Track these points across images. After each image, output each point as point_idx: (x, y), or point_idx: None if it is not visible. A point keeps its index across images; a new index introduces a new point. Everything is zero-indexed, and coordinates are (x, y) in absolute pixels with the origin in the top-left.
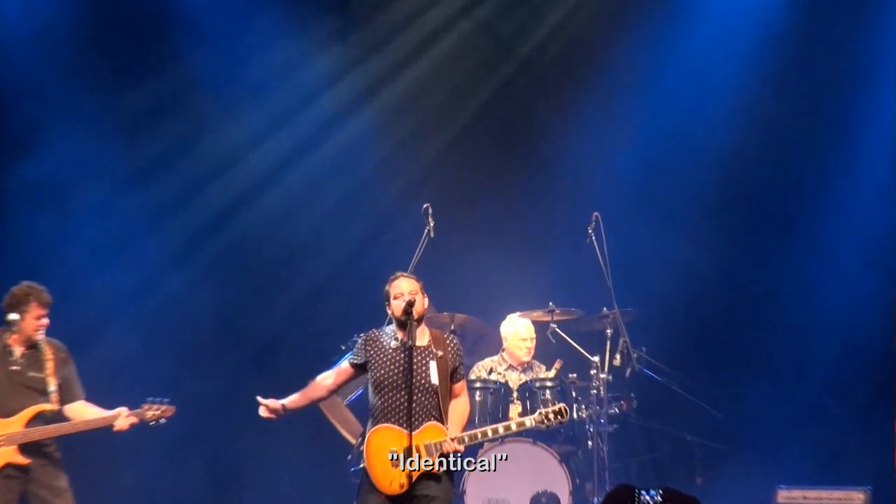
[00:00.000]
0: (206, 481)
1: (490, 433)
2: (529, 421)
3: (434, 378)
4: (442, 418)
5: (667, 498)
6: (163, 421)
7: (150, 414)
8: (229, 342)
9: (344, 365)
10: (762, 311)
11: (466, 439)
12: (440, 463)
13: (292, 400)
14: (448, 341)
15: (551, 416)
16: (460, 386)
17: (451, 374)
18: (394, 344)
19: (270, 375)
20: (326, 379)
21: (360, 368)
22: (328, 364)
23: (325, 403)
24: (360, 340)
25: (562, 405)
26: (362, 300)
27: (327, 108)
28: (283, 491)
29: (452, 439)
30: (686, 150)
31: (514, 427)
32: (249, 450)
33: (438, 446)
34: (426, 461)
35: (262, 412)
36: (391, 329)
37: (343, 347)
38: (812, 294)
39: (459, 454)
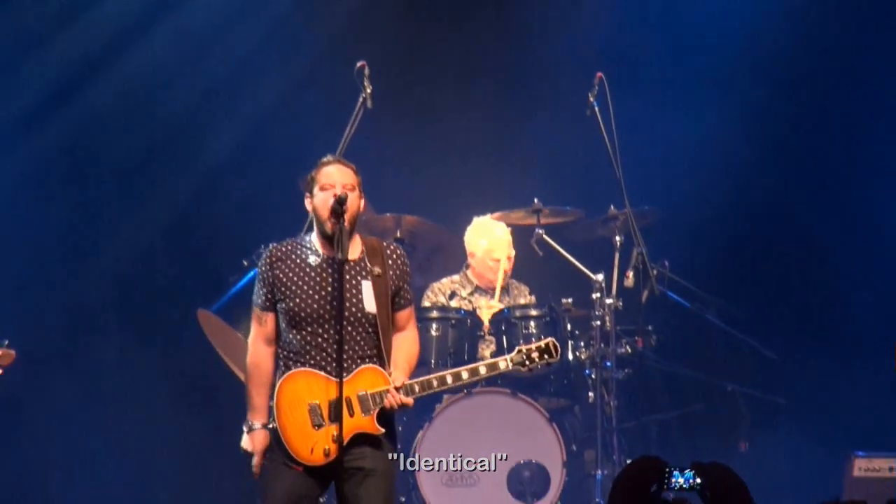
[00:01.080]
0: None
1: (450, 380)
2: (504, 362)
3: (369, 304)
4: (382, 360)
5: (704, 481)
6: None
7: None
8: (69, 270)
9: (259, 315)
10: (835, 209)
11: (417, 389)
12: (381, 421)
13: (262, 412)
14: (388, 252)
15: (535, 354)
16: (406, 314)
17: (394, 298)
18: (313, 260)
19: (134, 313)
20: (259, 348)
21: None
22: (222, 287)
23: (212, 330)
24: (261, 262)
25: (550, 340)
26: (267, 199)
27: None
28: (144, 471)
29: (398, 388)
30: None
31: (483, 371)
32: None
33: (378, 398)
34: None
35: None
36: (309, 239)
37: (245, 263)
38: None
39: (407, 409)
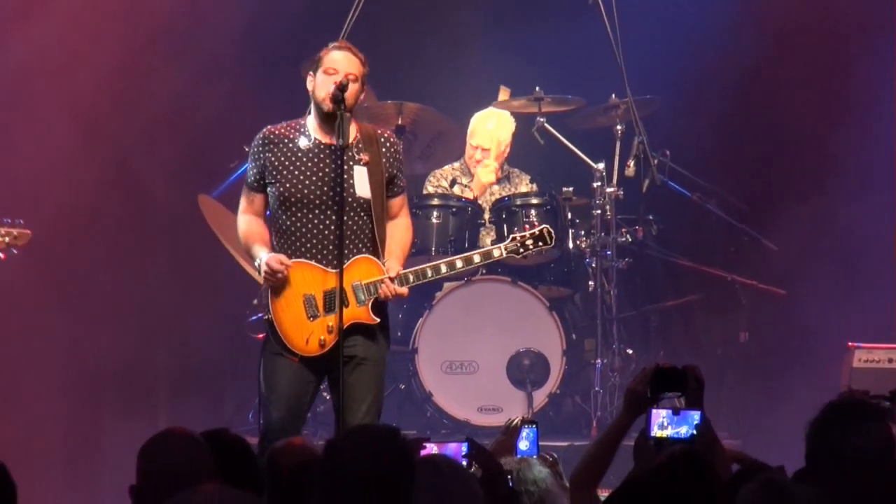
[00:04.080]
0: None
1: (444, 268)
2: (499, 250)
3: (361, 189)
4: (376, 248)
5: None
6: (14, 252)
7: None
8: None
9: (248, 194)
10: (839, 101)
11: (412, 278)
12: (375, 311)
13: (265, 248)
14: (382, 138)
15: (529, 242)
16: (399, 202)
17: (388, 186)
18: (303, 143)
19: (135, 199)
20: (249, 218)
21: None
22: (217, 178)
23: (213, 217)
24: (254, 142)
25: (544, 227)
26: (268, 86)
27: None
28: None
29: (392, 278)
30: None
31: (477, 259)
32: None
33: (373, 288)
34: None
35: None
36: (305, 123)
37: (246, 149)
38: None
39: (403, 299)
